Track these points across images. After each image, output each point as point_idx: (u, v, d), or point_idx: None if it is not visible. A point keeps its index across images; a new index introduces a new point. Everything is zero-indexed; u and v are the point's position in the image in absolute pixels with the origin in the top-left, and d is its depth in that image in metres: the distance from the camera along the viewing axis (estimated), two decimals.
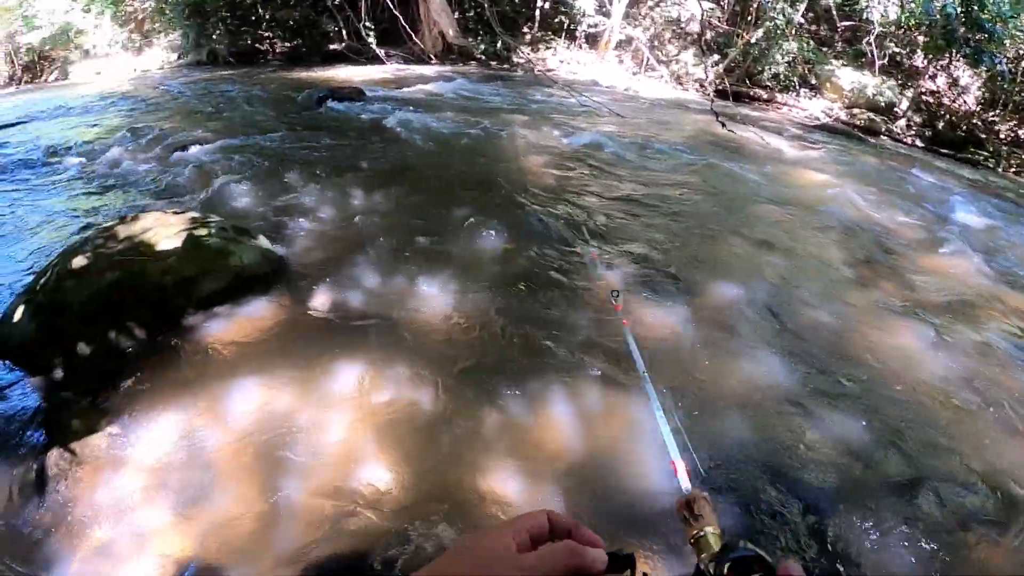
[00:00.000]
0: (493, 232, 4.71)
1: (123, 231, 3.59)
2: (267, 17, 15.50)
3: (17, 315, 3.24)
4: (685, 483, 0.97)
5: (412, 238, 4.58)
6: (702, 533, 0.76)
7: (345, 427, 2.84)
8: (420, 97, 10.17)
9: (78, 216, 5.30)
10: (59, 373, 3.18)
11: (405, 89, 10.74)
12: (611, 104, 9.41)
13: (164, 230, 3.59)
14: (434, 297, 3.85)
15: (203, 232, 3.62)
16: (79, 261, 3.36)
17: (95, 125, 9.28)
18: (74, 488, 2.56)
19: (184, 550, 2.30)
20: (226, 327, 3.46)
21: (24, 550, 2.33)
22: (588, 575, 0.54)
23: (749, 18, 14.26)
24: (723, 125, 6.87)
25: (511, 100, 10.38)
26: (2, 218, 5.47)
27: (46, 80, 20.59)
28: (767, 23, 13.41)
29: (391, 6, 14.41)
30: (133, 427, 2.83)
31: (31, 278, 3.72)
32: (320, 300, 3.77)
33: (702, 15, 13.70)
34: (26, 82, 20.91)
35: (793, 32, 13.61)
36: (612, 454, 2.73)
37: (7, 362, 3.27)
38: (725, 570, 0.60)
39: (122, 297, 3.28)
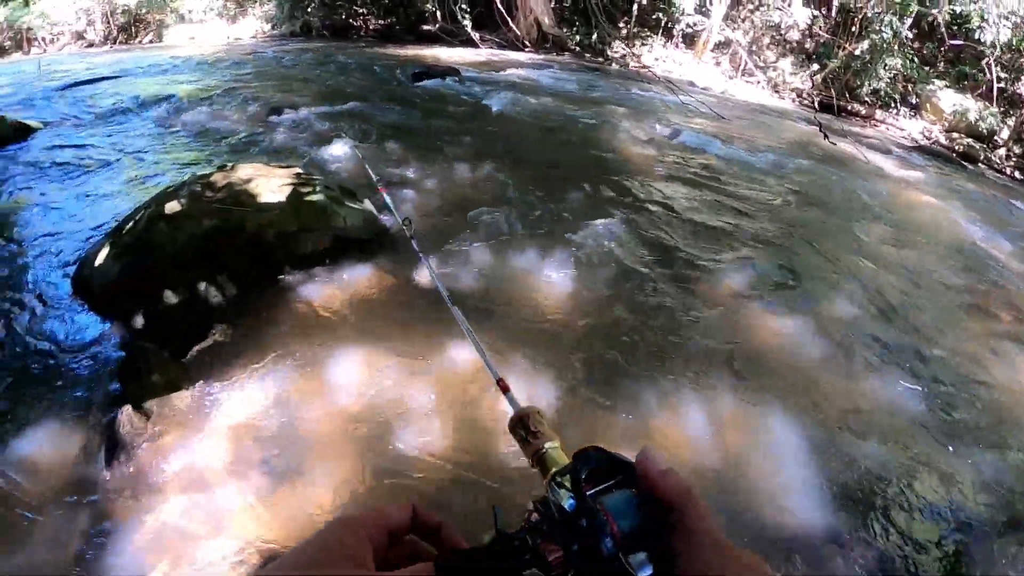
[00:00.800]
0: (606, 222, 4.26)
1: (222, 179, 3.25)
2: None
3: (101, 257, 2.93)
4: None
5: (522, 219, 4.16)
6: (543, 449, 0.65)
7: (450, 409, 2.49)
8: (516, 81, 9.72)
9: (170, 164, 5.08)
10: (141, 321, 2.85)
11: (501, 73, 10.31)
12: (711, 105, 8.75)
13: (266, 182, 3.23)
14: (546, 282, 3.45)
15: (307, 188, 3.25)
16: (173, 206, 3.02)
17: (190, 83, 9.19)
18: (147, 450, 2.22)
19: (260, 531, 1.90)
20: (325, 289, 3.12)
21: (88, 512, 2.04)
22: None
23: (853, 29, 13.31)
24: (826, 137, 6.50)
25: (610, 92, 9.82)
26: (92, 161, 5.30)
27: (140, 42, 21.13)
28: (872, 35, 12.46)
29: None
30: (218, 388, 2.48)
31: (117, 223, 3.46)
32: (425, 274, 3.34)
33: (807, 23, 12.96)
34: (121, 42, 21.53)
35: (898, 47, 12.64)
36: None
37: (86, 305, 2.96)
38: (582, 479, 0.47)
39: (218, 246, 2.94)
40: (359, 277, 3.25)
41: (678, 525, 0.44)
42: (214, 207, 3.03)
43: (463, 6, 14.09)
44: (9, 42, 25.02)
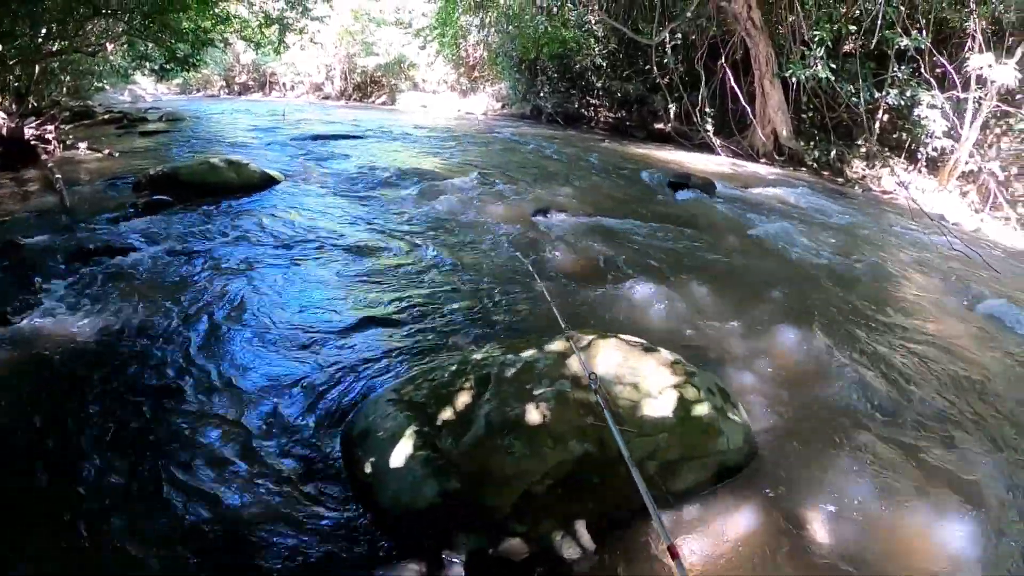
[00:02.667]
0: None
1: (569, 363, 2.44)
2: (598, 84, 15.17)
3: (400, 455, 2.23)
4: None
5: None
6: None
7: None
8: (773, 203, 8.68)
9: (429, 263, 4.62)
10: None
11: (753, 190, 9.35)
12: (975, 250, 7.01)
13: (638, 376, 2.39)
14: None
15: (691, 392, 2.37)
16: (533, 415, 2.18)
17: (435, 157, 9.06)
18: None
19: None
20: (707, 544, 2.26)
21: None
22: None
23: None
24: None
25: (868, 225, 8.51)
26: (336, 236, 4.96)
27: (373, 102, 22.68)
28: None
29: (740, 97, 13.32)
30: None
31: (394, 378, 3.06)
32: (812, 519, 2.27)
33: None
34: (355, 100, 23.25)
35: None
36: None
37: (368, 514, 2.21)
38: None
39: (586, 483, 2.02)
40: (741, 526, 2.25)
41: None
42: (585, 422, 2.14)
43: (707, 110, 13.36)
44: (252, 82, 28.19)
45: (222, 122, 11.04)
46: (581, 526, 2.09)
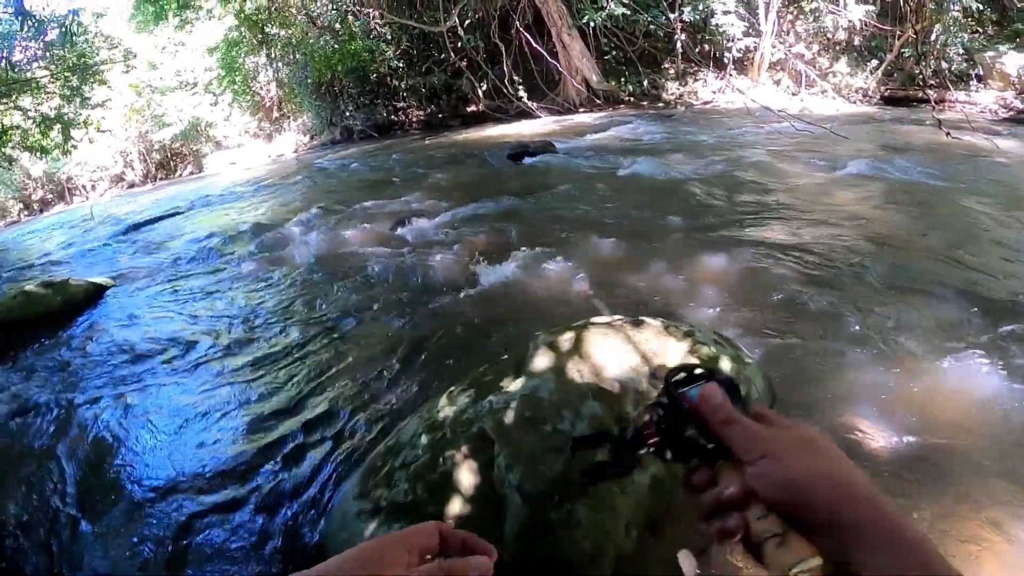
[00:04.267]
0: None
1: (575, 372, 2.10)
2: (400, 86, 14.86)
3: None
4: None
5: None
6: None
7: None
8: (613, 143, 8.79)
9: (311, 321, 3.93)
10: None
11: (590, 137, 9.43)
12: (810, 127, 7.60)
13: (661, 356, 2.04)
14: None
15: (707, 352, 2.14)
16: (551, 456, 1.81)
17: (266, 207, 8.32)
18: None
19: None
20: None
21: None
22: None
23: (908, 14, 12.39)
24: (948, 134, 6.00)
25: (711, 135, 8.84)
26: (190, 331, 4.19)
27: (180, 175, 20.95)
28: (942, 15, 11.52)
29: (543, 57, 13.50)
30: None
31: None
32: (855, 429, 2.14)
33: (861, 19, 12.03)
34: (161, 178, 21.39)
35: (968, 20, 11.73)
36: None
37: None
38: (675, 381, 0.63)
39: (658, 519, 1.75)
40: None
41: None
42: None
43: (517, 79, 13.46)
44: (51, 195, 25.27)
45: (31, 245, 9.58)
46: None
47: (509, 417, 1.90)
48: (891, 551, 0.47)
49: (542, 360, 2.13)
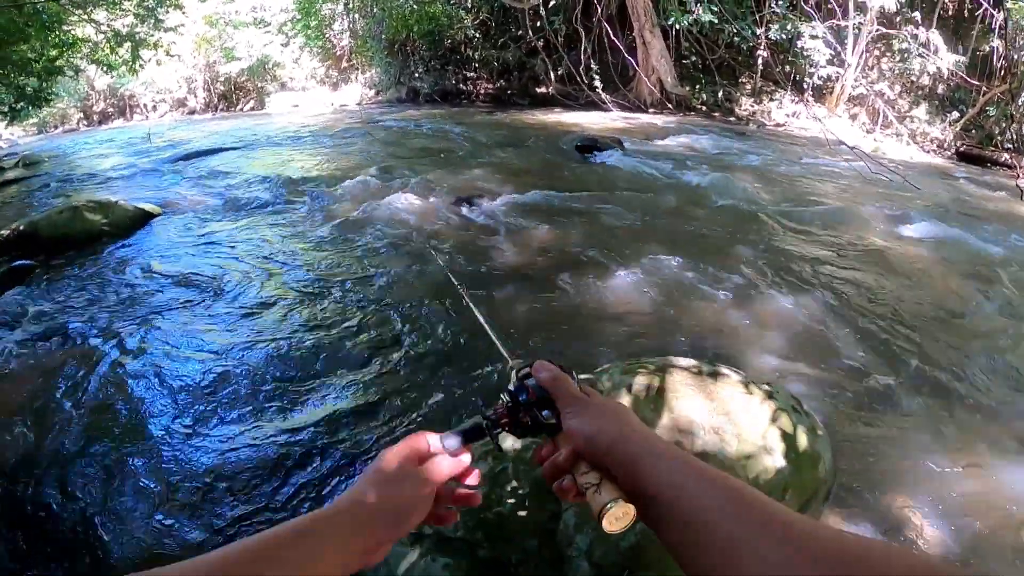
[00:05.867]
0: None
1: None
2: (473, 56, 14.66)
3: None
4: None
5: None
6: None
7: None
8: (683, 153, 8.57)
9: (367, 293, 3.83)
10: None
11: (657, 142, 9.21)
12: (885, 171, 7.26)
13: (735, 421, 1.87)
14: None
15: (786, 422, 2.00)
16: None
17: (323, 158, 8.28)
18: None
19: None
20: None
21: None
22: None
23: (999, 72, 11.81)
24: None
25: (781, 162, 8.58)
26: (238, 275, 4.15)
27: (241, 109, 21.07)
28: None
29: (621, 51, 13.20)
30: None
31: None
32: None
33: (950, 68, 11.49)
34: (222, 109, 21.54)
35: None
36: None
37: None
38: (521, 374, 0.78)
39: None
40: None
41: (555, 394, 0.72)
42: None
43: (593, 67, 13.16)
44: (112, 109, 25.65)
45: (86, 157, 9.68)
46: None
47: None
48: (664, 469, 0.60)
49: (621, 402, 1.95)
